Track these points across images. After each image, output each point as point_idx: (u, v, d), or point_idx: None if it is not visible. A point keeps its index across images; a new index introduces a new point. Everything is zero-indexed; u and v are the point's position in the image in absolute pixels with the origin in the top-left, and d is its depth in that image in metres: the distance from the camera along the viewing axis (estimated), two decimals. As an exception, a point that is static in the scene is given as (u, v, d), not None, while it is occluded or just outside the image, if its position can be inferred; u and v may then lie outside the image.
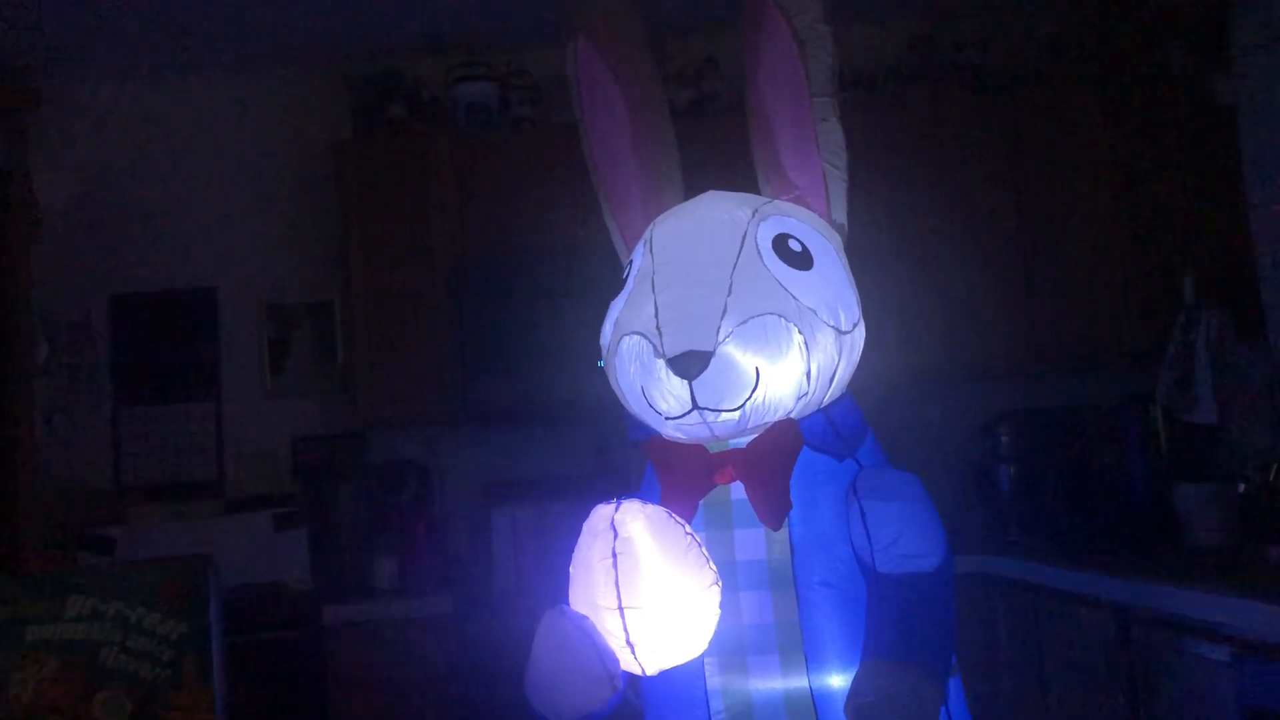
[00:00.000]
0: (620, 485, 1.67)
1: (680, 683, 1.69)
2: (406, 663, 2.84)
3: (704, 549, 1.59)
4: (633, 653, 1.52)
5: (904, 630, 1.51)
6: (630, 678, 1.78)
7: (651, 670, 1.56)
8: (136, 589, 1.76)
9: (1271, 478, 2.05)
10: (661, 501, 1.67)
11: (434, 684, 2.81)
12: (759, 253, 1.61)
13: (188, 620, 1.74)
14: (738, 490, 1.68)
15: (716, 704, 1.66)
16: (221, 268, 3.92)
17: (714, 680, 1.65)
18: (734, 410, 1.57)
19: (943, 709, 1.63)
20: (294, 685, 3.02)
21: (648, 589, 1.49)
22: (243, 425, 3.83)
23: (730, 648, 1.65)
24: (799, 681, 1.61)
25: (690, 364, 1.54)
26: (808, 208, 1.70)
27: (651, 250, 1.67)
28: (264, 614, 3.14)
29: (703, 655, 1.63)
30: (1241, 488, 2.19)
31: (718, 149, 1.99)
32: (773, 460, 1.67)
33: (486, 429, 3.64)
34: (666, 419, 1.63)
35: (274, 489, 3.65)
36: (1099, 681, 2.14)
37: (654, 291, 1.60)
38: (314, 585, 3.21)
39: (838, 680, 1.58)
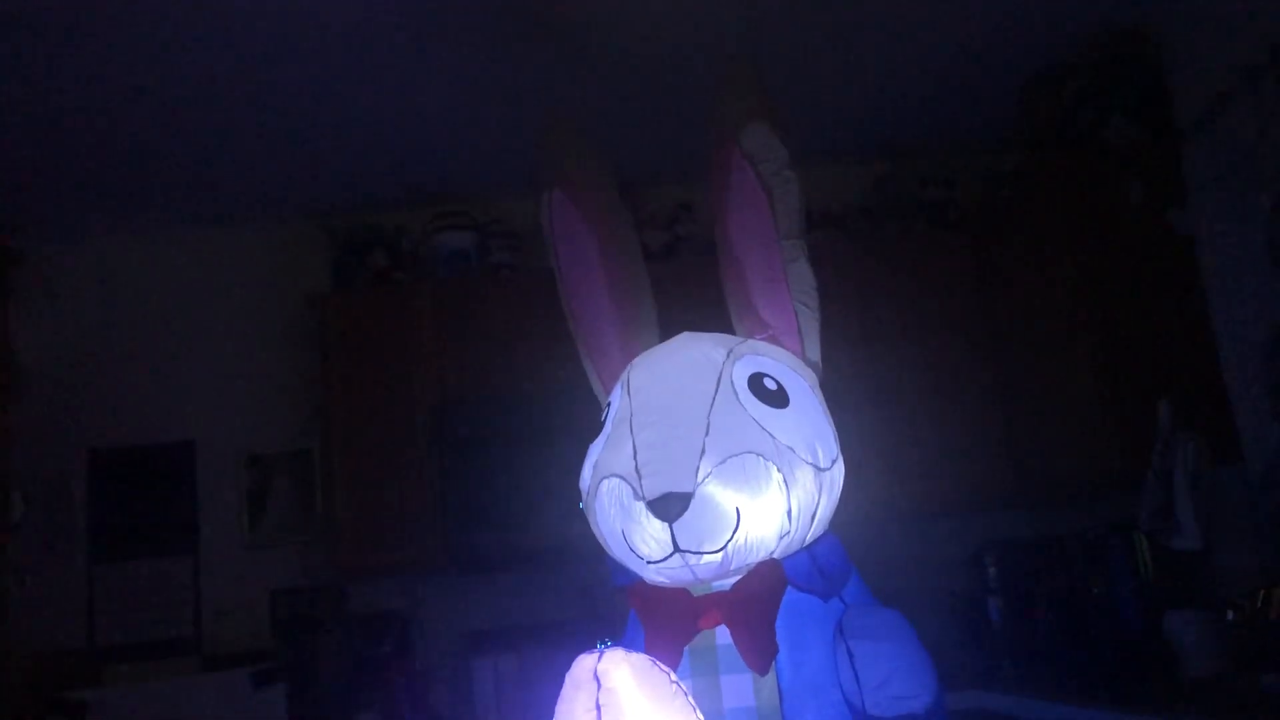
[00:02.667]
0: (605, 630, 1.64)
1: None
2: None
3: (690, 697, 1.56)
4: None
5: (899, 776, 1.48)
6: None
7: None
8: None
9: (1259, 604, 2.03)
10: (646, 649, 1.64)
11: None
12: (735, 392, 1.62)
13: None
14: (723, 635, 1.66)
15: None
16: (200, 421, 3.91)
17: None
18: (716, 552, 1.56)
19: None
20: None
21: (634, 740, 1.46)
22: (221, 579, 3.76)
23: (709, 724, 1.60)
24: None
25: (670, 506, 1.53)
26: (782, 346, 1.72)
27: (629, 392, 1.68)
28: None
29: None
30: (1230, 615, 2.17)
31: (692, 289, 2.03)
32: (758, 602, 1.65)
33: (469, 576, 3.59)
34: (648, 563, 1.61)
35: (252, 644, 3.57)
36: (1101, 821, 2.08)
37: (632, 433, 1.60)
38: (293, 744, 3.12)
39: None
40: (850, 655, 1.57)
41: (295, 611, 3.54)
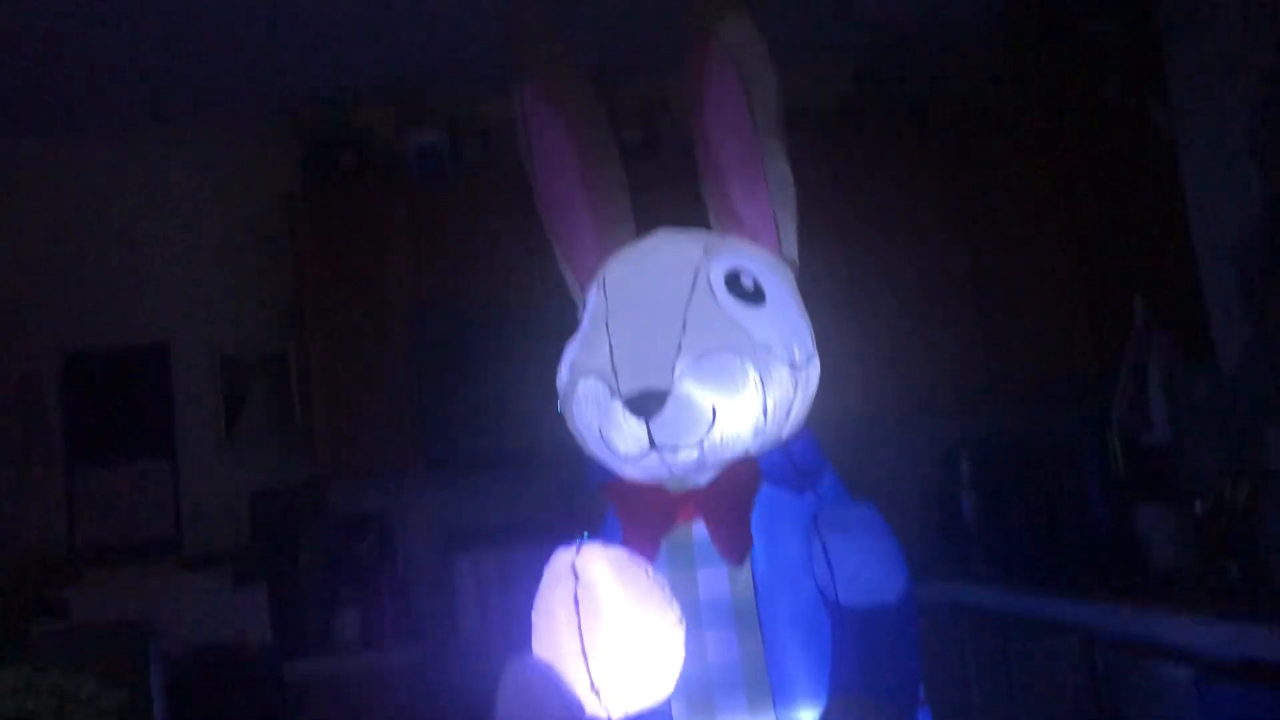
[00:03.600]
0: (584, 529, 1.65)
1: (649, 727, 1.67)
2: (372, 717, 2.79)
3: (667, 590, 1.58)
4: (598, 698, 1.50)
5: (870, 665, 1.51)
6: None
7: (618, 715, 1.54)
8: (74, 659, 1.71)
9: (1226, 496, 2.07)
10: (623, 544, 1.66)
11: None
12: (711, 290, 1.61)
13: (129, 689, 1.71)
14: (699, 529, 1.68)
15: (687, 752, 1.65)
16: (174, 323, 3.88)
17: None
18: (692, 448, 1.57)
19: (913, 740, 1.62)
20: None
21: (611, 633, 1.48)
22: (199, 481, 3.77)
23: (696, 688, 1.63)
24: (766, 718, 1.60)
25: (646, 403, 1.53)
26: (759, 244, 1.71)
27: (605, 291, 1.67)
28: (225, 674, 3.09)
29: (669, 697, 1.62)
30: (1199, 507, 2.21)
31: (669, 187, 2.00)
32: (733, 497, 1.67)
33: (447, 477, 3.61)
34: (625, 460, 1.62)
35: (232, 545, 3.60)
36: (1066, 706, 2.14)
37: (608, 332, 1.60)
38: (275, 642, 3.15)
39: (806, 717, 1.57)
40: (824, 548, 1.59)
41: (275, 513, 3.56)
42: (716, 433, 1.57)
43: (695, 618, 1.64)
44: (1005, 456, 3.39)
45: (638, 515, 1.71)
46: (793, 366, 1.65)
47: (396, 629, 3.16)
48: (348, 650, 3.03)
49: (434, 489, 3.65)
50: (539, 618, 1.57)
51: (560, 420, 1.68)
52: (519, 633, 1.63)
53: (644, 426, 1.55)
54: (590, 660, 1.47)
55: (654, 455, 1.59)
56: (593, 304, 1.68)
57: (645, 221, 1.74)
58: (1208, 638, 1.65)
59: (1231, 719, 1.54)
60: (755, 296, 1.63)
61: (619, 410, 1.55)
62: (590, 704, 1.52)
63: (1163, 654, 1.78)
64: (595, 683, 1.48)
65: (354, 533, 3.45)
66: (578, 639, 1.47)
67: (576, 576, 1.50)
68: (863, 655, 1.52)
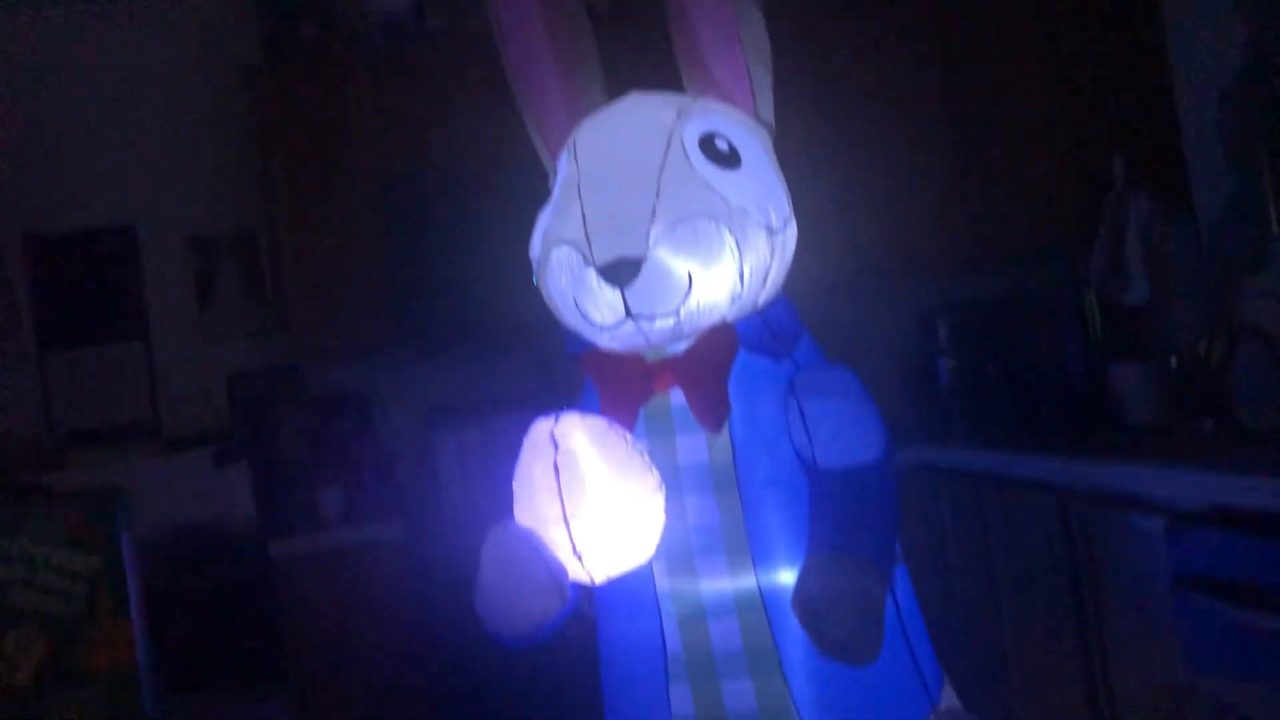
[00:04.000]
0: (565, 403, 1.65)
1: (631, 589, 1.69)
2: (359, 591, 2.83)
3: (646, 456, 1.59)
4: (580, 562, 1.52)
5: (846, 524, 1.53)
6: (581, 587, 1.79)
7: (600, 579, 1.56)
8: (42, 525, 1.71)
9: (1201, 352, 2.08)
10: (601, 413, 1.66)
11: (388, 611, 2.81)
12: (686, 154, 1.58)
13: (99, 555, 1.71)
14: (677, 397, 1.68)
15: (668, 607, 1.68)
16: (138, 203, 3.81)
17: (663, 584, 1.66)
18: (668, 317, 1.56)
19: (889, 597, 1.65)
20: (247, 622, 3.01)
21: (591, 499, 1.49)
22: (174, 364, 3.76)
23: (677, 551, 1.65)
24: (747, 580, 1.63)
25: (621, 271, 1.52)
26: (733, 105, 1.67)
27: (576, 157, 1.63)
28: (210, 553, 3.12)
29: (651, 560, 1.64)
30: (1174, 363, 2.22)
31: (640, 50, 1.95)
32: (710, 364, 1.66)
33: (425, 353, 3.60)
34: (601, 329, 1.61)
35: (211, 427, 3.60)
36: (1042, 562, 2.19)
37: (580, 199, 1.57)
38: (259, 520, 3.18)
39: (785, 577, 1.60)
40: (801, 412, 1.59)
41: (253, 393, 3.55)
42: (693, 300, 1.56)
43: (675, 484, 1.65)
44: (982, 320, 3.39)
45: (615, 384, 1.71)
46: (769, 231, 1.63)
47: (379, 505, 3.19)
48: (331, 527, 3.06)
49: (413, 365, 3.64)
50: (520, 487, 1.57)
51: (537, 292, 1.66)
52: (501, 504, 1.64)
53: (619, 295, 1.53)
54: (572, 526, 1.49)
55: (630, 324, 1.58)
56: (564, 170, 1.65)
57: (616, 86, 1.70)
58: (1179, 488, 1.68)
59: (1201, 566, 1.58)
60: (730, 160, 1.60)
61: (593, 279, 1.53)
62: (573, 569, 1.54)
63: (1135, 506, 1.82)
64: (577, 548, 1.50)
65: (334, 411, 3.45)
66: (559, 506, 1.48)
67: (556, 445, 1.50)
68: (840, 515, 1.54)
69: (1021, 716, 2.40)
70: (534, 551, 1.51)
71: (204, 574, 3.06)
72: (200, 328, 3.79)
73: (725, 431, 1.65)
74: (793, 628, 1.61)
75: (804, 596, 1.45)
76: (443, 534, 2.82)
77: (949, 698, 1.92)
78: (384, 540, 2.89)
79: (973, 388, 3.30)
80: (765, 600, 1.63)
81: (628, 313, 1.54)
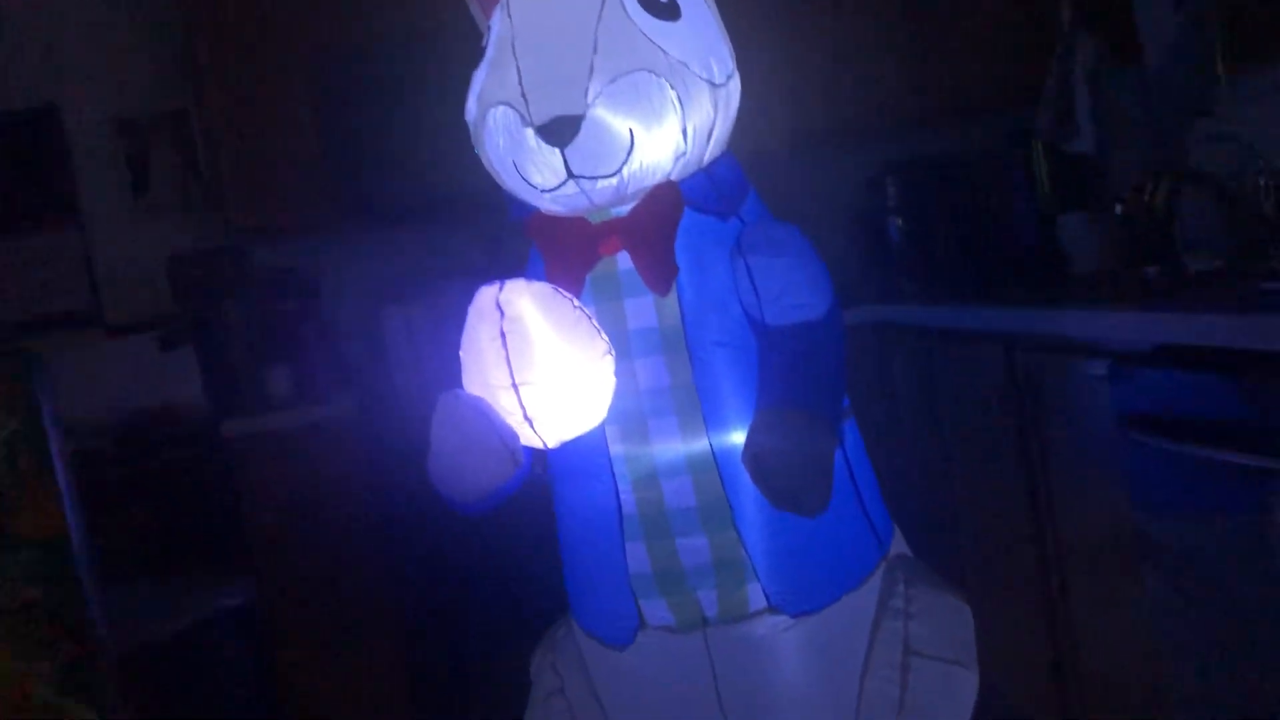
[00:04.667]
0: (512, 274, 1.62)
1: (584, 453, 1.70)
2: (312, 471, 2.83)
3: (594, 320, 1.58)
4: (532, 427, 1.52)
5: (795, 378, 1.53)
6: (534, 453, 1.79)
7: (552, 443, 1.56)
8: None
9: (1147, 198, 2.08)
10: (547, 278, 1.64)
11: (343, 489, 2.81)
12: (623, 6, 1.54)
13: (17, 417, 1.69)
14: (624, 260, 1.66)
15: (621, 470, 1.69)
16: (59, 82, 3.66)
17: (616, 447, 1.67)
18: (611, 176, 1.53)
19: (838, 451, 1.67)
20: (202, 505, 3.01)
21: (540, 364, 1.48)
22: (111, 250, 3.67)
23: (629, 415, 1.66)
24: (699, 440, 1.64)
25: (560, 130, 1.48)
26: (671, -47, 1.62)
27: (510, 13, 1.58)
28: (161, 437, 3.10)
29: (602, 424, 1.64)
30: (1119, 209, 2.23)
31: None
32: (656, 225, 1.64)
33: (368, 229, 3.53)
34: (542, 192, 1.58)
35: (154, 312, 3.53)
36: (989, 412, 2.22)
37: (515, 56, 1.52)
38: (208, 402, 3.15)
39: (736, 436, 1.61)
40: (749, 269, 1.58)
41: (194, 276, 3.48)
42: (635, 159, 1.53)
43: (624, 348, 1.65)
44: (931, 179, 3.38)
45: (560, 249, 1.69)
46: (712, 85, 1.59)
47: (329, 383, 3.16)
48: (282, 406, 3.04)
49: (356, 242, 3.58)
50: (467, 355, 1.56)
51: (478, 160, 1.63)
52: (451, 378, 1.63)
53: (559, 155, 1.50)
54: (522, 391, 1.48)
55: (572, 185, 1.55)
56: (497, 27, 1.59)
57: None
58: (1121, 329, 1.70)
59: (1143, 404, 1.61)
60: (669, 11, 1.56)
61: (532, 139, 1.50)
62: (525, 434, 1.54)
63: (1079, 350, 1.84)
64: (528, 413, 1.49)
65: (278, 290, 3.39)
66: (507, 372, 1.47)
67: (502, 312, 1.48)
68: (788, 370, 1.54)
69: (970, 563, 2.47)
70: (484, 418, 1.51)
71: (156, 458, 3.05)
72: (135, 211, 3.69)
73: (673, 293, 1.64)
74: (744, 483, 1.63)
75: (754, 450, 1.46)
76: (394, 410, 2.81)
77: (899, 546, 1.96)
78: (336, 418, 2.88)
79: (922, 245, 3.30)
80: (717, 458, 1.64)
81: (569, 173, 1.51)
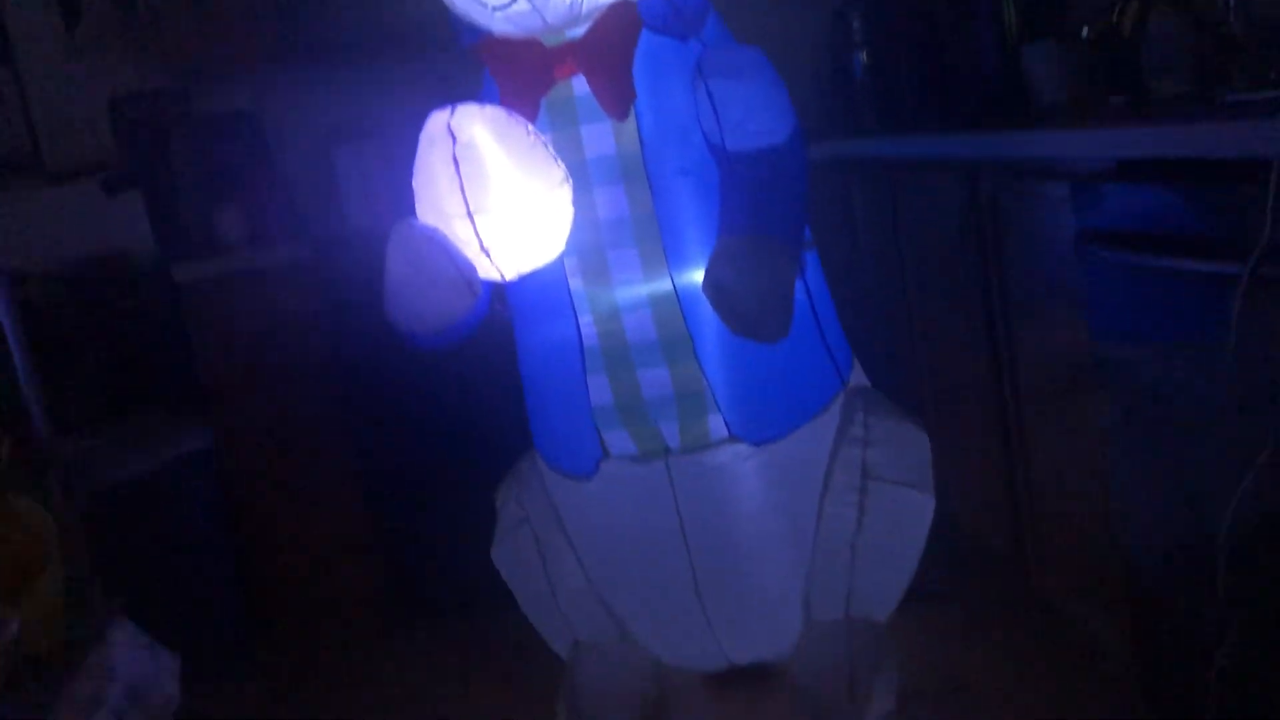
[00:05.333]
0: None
1: (543, 287, 1.68)
2: (267, 315, 2.78)
3: (550, 147, 1.54)
4: (489, 258, 1.49)
5: (756, 205, 1.51)
6: (494, 289, 1.77)
7: (510, 275, 1.54)
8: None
9: (1114, 19, 2.03)
10: (501, 103, 1.59)
11: (299, 332, 2.77)
12: None
13: None
14: (580, 85, 1.61)
15: (582, 304, 1.67)
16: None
17: (576, 280, 1.65)
18: (564, -8, 1.47)
19: (799, 281, 1.66)
20: (157, 352, 2.97)
21: (495, 192, 1.44)
22: (48, 92, 3.51)
23: (588, 247, 1.63)
24: (659, 272, 1.62)
25: (509, -58, 1.42)
26: None
27: None
28: (111, 284, 3.04)
29: (562, 257, 1.61)
30: (1085, 32, 2.18)
31: None
32: (613, 47, 1.59)
33: (317, 67, 3.40)
34: (494, 10, 1.52)
35: (97, 158, 3.41)
36: (950, 240, 2.21)
37: None
38: (158, 247, 3.08)
39: (697, 266, 1.59)
40: (709, 94, 1.54)
41: (138, 118, 3.35)
42: (590, -26, 1.47)
43: (582, 176, 1.61)
44: (895, 9, 3.28)
45: (514, 73, 1.64)
46: (670, -102, 1.52)
47: (281, 225, 3.09)
48: (234, 250, 2.97)
49: (306, 82, 3.45)
50: (420, 183, 1.52)
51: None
52: (405, 211, 1.58)
53: (510, -31, 1.44)
54: (477, 220, 1.45)
55: (524, 2, 1.49)
56: None
57: None
58: (1083, 147, 1.68)
59: (1102, 221, 1.59)
60: None
61: (480, -49, 1.43)
62: (482, 266, 1.51)
63: (1042, 173, 1.82)
64: (484, 243, 1.46)
65: (226, 132, 3.27)
66: (461, 200, 1.43)
67: (454, 137, 1.44)
68: (750, 197, 1.52)
69: (929, 393, 2.49)
70: (439, 247, 1.48)
71: (108, 306, 2.99)
72: (70, 50, 3.53)
73: (632, 119, 1.60)
74: (706, 315, 1.63)
75: (714, 278, 1.44)
76: (348, 252, 2.75)
77: (859, 378, 1.98)
78: (289, 262, 2.82)
79: (887, 78, 3.23)
80: (678, 290, 1.63)
81: (521, -11, 1.45)
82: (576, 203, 1.57)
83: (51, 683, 1.35)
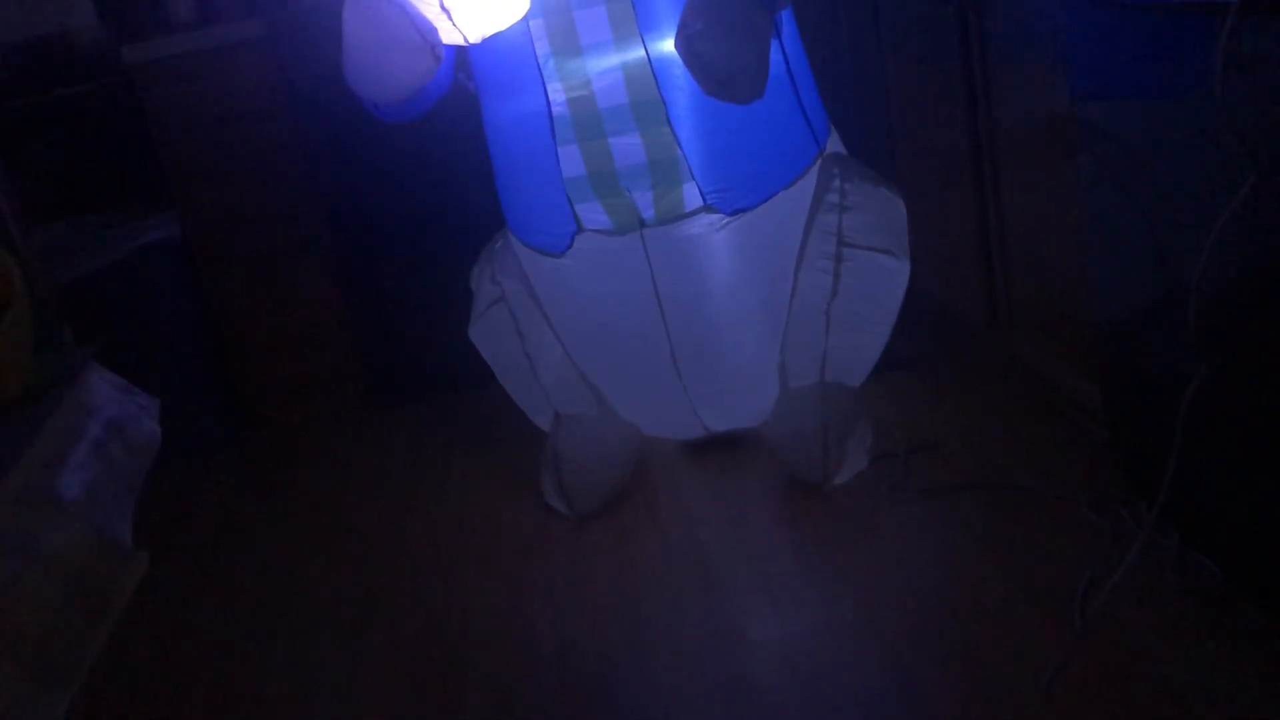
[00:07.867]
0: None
1: (508, 55, 1.62)
2: (224, 95, 2.67)
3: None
4: (450, 19, 1.43)
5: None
6: (457, 56, 1.70)
7: (473, 36, 1.48)
8: None
9: None
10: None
11: (258, 112, 2.67)
12: None
13: None
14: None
15: (549, 70, 1.61)
16: None
17: (542, 46, 1.59)
18: None
19: (774, 43, 1.61)
20: (114, 138, 2.88)
21: (454, -53, 1.37)
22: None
23: (554, 7, 1.57)
24: (629, 32, 1.56)
25: None
26: None
27: None
28: (58, 67, 2.91)
29: (526, 19, 1.55)
30: None
31: None
32: None
33: None
34: None
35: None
36: (931, 2, 2.14)
37: None
38: (105, 27, 2.94)
39: (669, 27, 1.53)
40: None
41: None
42: None
43: (545, -70, 1.53)
44: None
45: None
46: None
47: (233, 3, 2.95)
48: (185, 29, 2.84)
49: None
50: (373, -57, 1.44)
51: None
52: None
53: None
54: (435, -21, 1.38)
55: None
56: None
57: None
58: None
59: (1097, 38, 1.53)
60: None
61: None
62: (443, 29, 1.45)
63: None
64: (445, 3, 1.40)
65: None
66: (417, -43, 1.36)
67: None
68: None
69: (906, 159, 2.46)
70: (398, 9, 1.41)
71: (56, 91, 2.87)
72: None
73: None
74: (678, 78, 1.58)
75: (687, 33, 1.39)
76: (305, 27, 2.63)
77: (835, 144, 1.94)
78: (243, 39, 2.69)
79: None
80: (649, 51, 1.57)
81: None
82: (541, -40, 1.50)
83: (27, 419, 1.34)
